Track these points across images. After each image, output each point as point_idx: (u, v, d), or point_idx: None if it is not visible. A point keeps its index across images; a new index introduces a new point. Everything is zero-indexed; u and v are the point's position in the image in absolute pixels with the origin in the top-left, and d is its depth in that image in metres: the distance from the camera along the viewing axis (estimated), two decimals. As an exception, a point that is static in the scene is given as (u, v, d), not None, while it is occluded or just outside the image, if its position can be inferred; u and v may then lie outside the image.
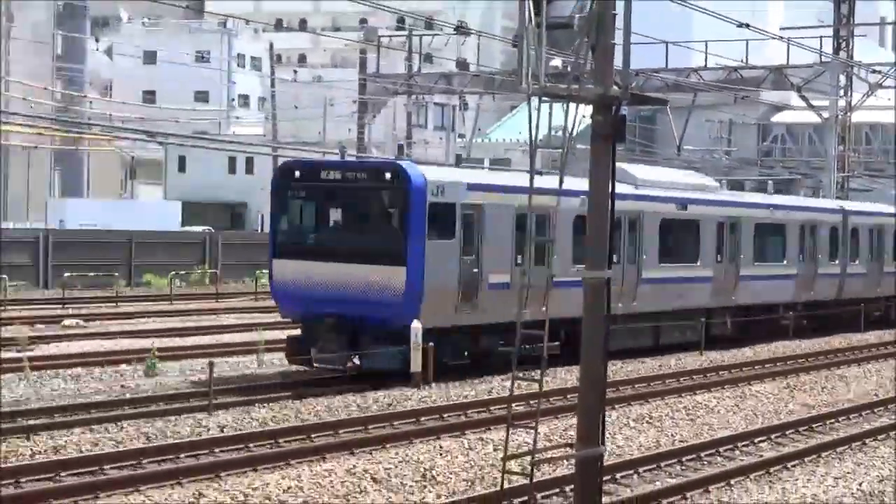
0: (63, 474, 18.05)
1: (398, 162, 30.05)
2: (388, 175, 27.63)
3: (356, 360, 26.83)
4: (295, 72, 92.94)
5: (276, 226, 29.42)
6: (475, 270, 28.40)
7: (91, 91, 77.90)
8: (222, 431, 21.76)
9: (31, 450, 19.51)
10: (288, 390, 25.86)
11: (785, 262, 40.94)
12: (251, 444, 20.66)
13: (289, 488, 17.77)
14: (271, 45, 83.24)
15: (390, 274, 27.01)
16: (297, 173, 28.86)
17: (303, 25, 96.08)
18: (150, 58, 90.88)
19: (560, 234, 30.09)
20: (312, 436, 21.65)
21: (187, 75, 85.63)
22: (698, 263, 36.30)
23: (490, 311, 28.63)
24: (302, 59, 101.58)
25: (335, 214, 28.67)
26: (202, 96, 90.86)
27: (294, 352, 28.01)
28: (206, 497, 17.09)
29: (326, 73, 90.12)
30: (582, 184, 31.80)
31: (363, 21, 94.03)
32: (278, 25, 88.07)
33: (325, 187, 28.40)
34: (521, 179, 31.76)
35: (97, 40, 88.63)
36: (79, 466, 18.47)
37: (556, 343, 29.01)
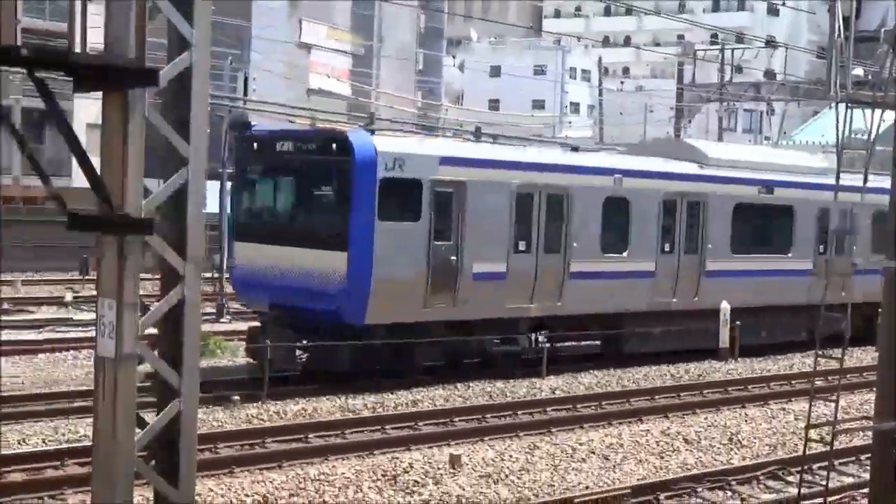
0: (420, 424, 18.60)
1: (344, 130, 22.07)
2: (333, 146, 20.88)
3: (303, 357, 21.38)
4: (621, 82, 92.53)
5: (236, 204, 23.21)
6: (453, 258, 21.56)
7: (446, 100, 79.65)
8: (553, 393, 21.96)
9: (394, 402, 20.15)
10: (611, 360, 25.79)
11: None
12: (578, 405, 20.78)
13: (610, 444, 17.78)
14: (600, 59, 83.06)
15: (332, 260, 20.55)
16: (255, 145, 22.19)
17: (627, 42, 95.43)
18: (495, 71, 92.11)
19: (584, 218, 23.79)
20: (631, 400, 21.60)
21: (527, 86, 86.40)
22: (790, 255, 28.28)
23: (475, 304, 22.01)
24: (626, 71, 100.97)
25: (283, 191, 22.24)
26: (539, 104, 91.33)
27: (253, 344, 21.54)
28: (539, 448, 17.27)
29: (647, 84, 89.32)
30: (616, 161, 25.79)
31: (680, 37, 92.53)
32: (605, 42, 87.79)
33: (277, 161, 21.88)
34: (523, 155, 24.50)
35: (452, 57, 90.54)
36: (432, 418, 18.96)
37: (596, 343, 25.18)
